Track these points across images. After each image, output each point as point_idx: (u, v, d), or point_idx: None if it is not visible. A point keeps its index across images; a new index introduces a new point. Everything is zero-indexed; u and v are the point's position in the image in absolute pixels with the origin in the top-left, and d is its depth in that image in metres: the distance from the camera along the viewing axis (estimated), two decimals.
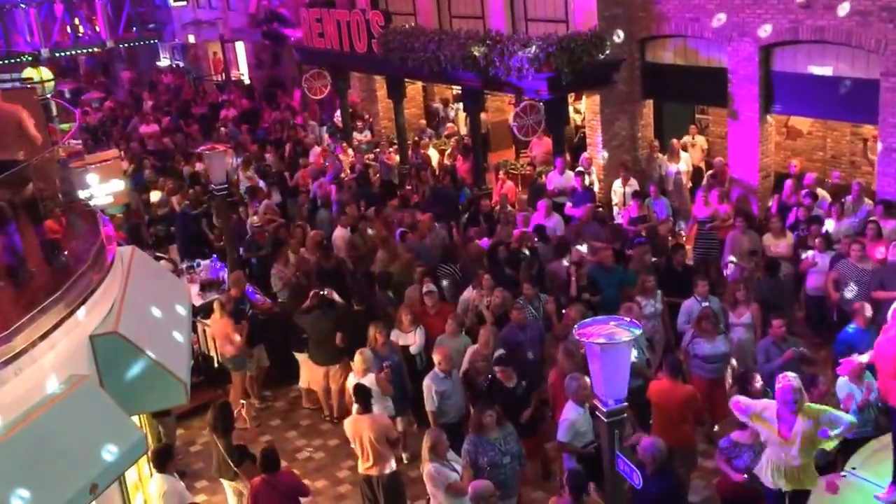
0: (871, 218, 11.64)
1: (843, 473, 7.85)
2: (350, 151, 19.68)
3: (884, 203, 12.11)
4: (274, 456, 8.09)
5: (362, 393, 8.73)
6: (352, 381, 9.39)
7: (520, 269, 11.53)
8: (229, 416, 8.80)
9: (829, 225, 12.11)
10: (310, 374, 11.32)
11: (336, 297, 11.23)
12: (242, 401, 11.45)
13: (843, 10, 12.09)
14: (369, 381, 9.23)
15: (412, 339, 10.36)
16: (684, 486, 8.41)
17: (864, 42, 12.53)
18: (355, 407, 8.68)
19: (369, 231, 13.75)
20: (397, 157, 19.65)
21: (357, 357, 9.47)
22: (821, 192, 13.36)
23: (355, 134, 21.48)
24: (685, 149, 16.20)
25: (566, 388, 8.19)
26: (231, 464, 8.68)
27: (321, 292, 10.98)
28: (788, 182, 13.59)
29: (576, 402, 8.04)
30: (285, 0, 27.42)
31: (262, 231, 14.27)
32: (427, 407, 9.09)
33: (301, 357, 11.42)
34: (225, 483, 9.07)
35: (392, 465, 8.63)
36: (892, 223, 11.71)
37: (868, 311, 8.97)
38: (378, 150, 20.38)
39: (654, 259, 12.08)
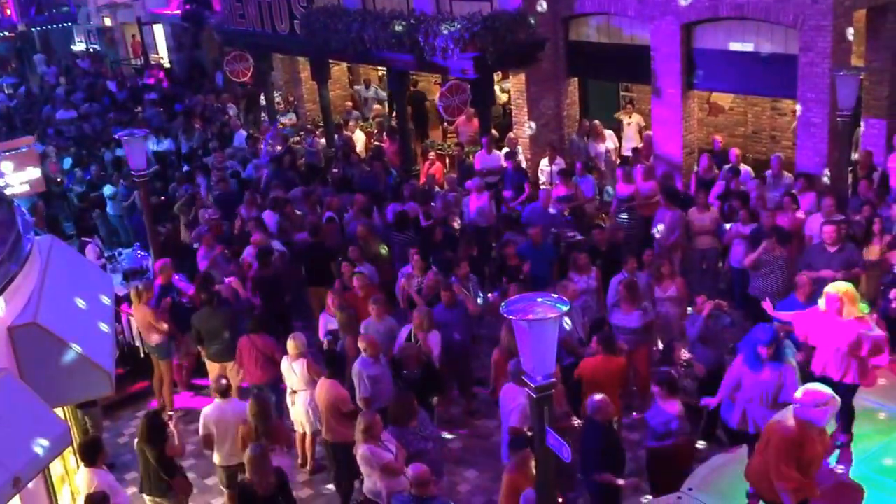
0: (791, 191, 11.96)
1: (678, 495, 7.63)
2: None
3: (804, 176, 12.41)
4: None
5: (331, 360, 8.99)
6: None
7: (457, 250, 11.55)
8: (161, 426, 8.43)
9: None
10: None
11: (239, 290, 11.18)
12: (170, 412, 10.85)
13: None
14: (300, 365, 9.13)
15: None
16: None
17: (783, 18, 12.79)
18: None
19: (297, 213, 13.57)
20: (323, 140, 19.42)
21: (290, 343, 9.33)
22: (744, 166, 13.63)
23: (279, 116, 21.15)
24: (621, 127, 16.37)
25: (509, 373, 8.23)
26: (163, 477, 8.33)
27: (211, 287, 10.80)
28: (704, 157, 13.81)
29: (517, 384, 8.05)
30: None
31: (218, 224, 13.66)
32: (359, 393, 8.98)
33: None
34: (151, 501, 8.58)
35: (346, 437, 8.46)
36: (810, 196, 12.03)
37: (809, 286, 9.06)
38: (303, 133, 20.11)
39: (581, 237, 12.28)
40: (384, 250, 12.20)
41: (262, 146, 17.80)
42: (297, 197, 14.42)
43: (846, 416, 8.02)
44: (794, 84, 12.99)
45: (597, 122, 16.17)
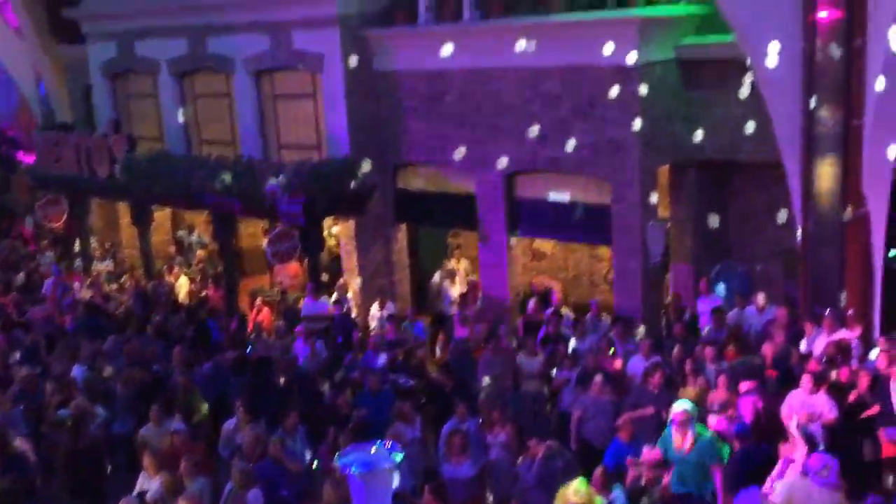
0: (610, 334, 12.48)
1: None
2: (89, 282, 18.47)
3: (620, 320, 12.99)
4: None
5: None
6: None
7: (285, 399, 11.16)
8: None
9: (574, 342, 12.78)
10: None
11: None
12: None
13: (571, 144, 13.07)
14: None
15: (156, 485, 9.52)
16: None
17: (595, 171, 13.64)
18: None
19: (107, 369, 12.75)
20: (141, 287, 18.66)
21: None
22: (564, 310, 14.14)
23: (96, 263, 20.27)
24: (453, 273, 16.71)
25: None
26: None
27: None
28: (532, 301, 14.30)
29: None
30: (15, 122, 25.89)
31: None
32: None
33: None
34: None
35: None
36: (629, 338, 12.54)
37: (631, 427, 9.38)
38: (122, 280, 19.28)
39: (412, 382, 12.20)
40: (204, 407, 11.59)
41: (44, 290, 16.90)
42: (111, 348, 13.62)
43: None
44: (608, 232, 13.75)
45: (452, 266, 16.45)
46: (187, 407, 11.26)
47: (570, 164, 13.79)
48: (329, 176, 15.20)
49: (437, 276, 16.57)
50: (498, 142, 14.43)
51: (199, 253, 20.50)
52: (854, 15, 11.15)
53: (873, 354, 10.55)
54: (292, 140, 17.01)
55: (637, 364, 11.46)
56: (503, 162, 13.16)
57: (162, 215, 20.68)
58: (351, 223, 16.34)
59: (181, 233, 21.56)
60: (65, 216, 20.25)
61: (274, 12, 16.19)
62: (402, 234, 16.92)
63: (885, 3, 10.86)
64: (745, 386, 10.01)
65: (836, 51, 11.21)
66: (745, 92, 11.92)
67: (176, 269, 19.05)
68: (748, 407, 9.59)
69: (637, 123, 12.66)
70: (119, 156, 18.00)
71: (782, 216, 11.77)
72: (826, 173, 11.72)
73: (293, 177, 14.97)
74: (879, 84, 11.02)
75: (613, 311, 13.93)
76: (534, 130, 13.23)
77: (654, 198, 13.21)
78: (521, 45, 12.64)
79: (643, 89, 12.74)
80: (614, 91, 12.64)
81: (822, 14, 11.25)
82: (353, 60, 13.99)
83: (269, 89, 17.20)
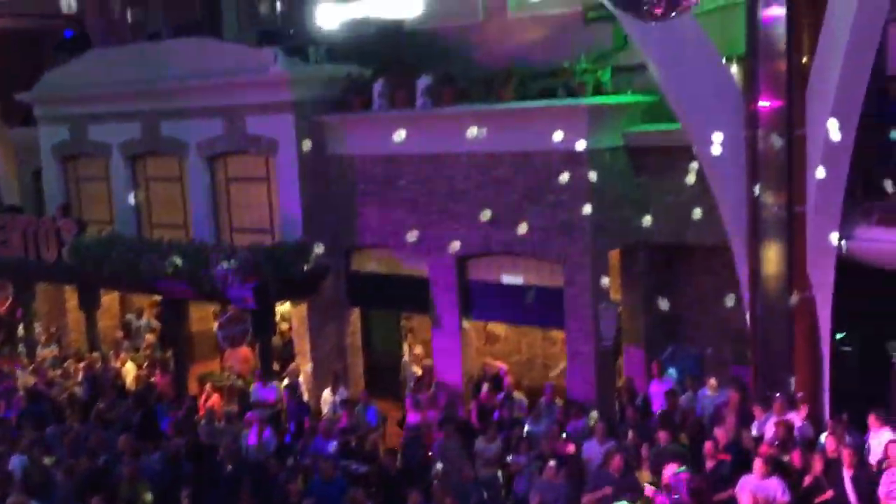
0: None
1: None
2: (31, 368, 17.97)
3: (573, 404, 12.96)
4: None
5: None
6: None
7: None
8: None
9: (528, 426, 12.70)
10: None
11: None
12: None
13: (522, 228, 13.20)
14: None
15: None
16: None
17: (547, 255, 13.78)
18: None
19: (45, 460, 12.32)
20: (90, 373, 18.19)
21: None
22: (517, 394, 14.07)
23: (40, 348, 19.77)
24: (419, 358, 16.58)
25: None
26: None
27: None
28: (485, 385, 14.22)
29: None
30: None
31: None
32: None
33: None
34: None
35: None
36: (581, 422, 12.50)
37: None
38: (66, 364, 18.79)
39: (365, 468, 12.00)
40: (149, 498, 11.21)
41: None
42: (52, 436, 13.19)
43: None
44: (561, 315, 13.81)
45: (419, 350, 16.37)
46: (132, 498, 10.89)
47: (523, 248, 13.92)
48: (282, 259, 15.14)
49: (405, 358, 16.48)
50: (451, 225, 14.54)
51: (148, 337, 20.08)
52: (793, 105, 11.56)
53: (823, 437, 10.64)
54: (245, 223, 16.94)
55: (592, 448, 11.40)
56: (456, 245, 13.24)
57: (110, 299, 20.33)
58: (303, 306, 16.21)
59: (129, 317, 21.17)
60: (8, 302, 19.81)
61: (228, 97, 16.33)
62: (355, 318, 16.80)
63: (822, 94, 11.30)
64: (669, 469, 10.13)
65: (777, 140, 11.56)
66: (691, 178, 12.21)
67: (123, 354, 18.65)
68: (682, 486, 9.77)
69: (587, 208, 12.86)
70: (68, 239, 17.77)
71: (731, 299, 11.94)
72: (772, 257, 11.95)
73: (245, 260, 14.87)
74: (820, 172, 11.38)
75: (566, 395, 13.90)
76: (486, 214, 13.40)
77: (605, 281, 13.35)
78: (474, 131, 12.85)
79: (593, 175, 12.98)
80: (565, 176, 12.86)
81: (764, 104, 11.64)
82: (307, 145, 14.08)
83: (223, 173, 17.21)
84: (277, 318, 17.59)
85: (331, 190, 16.02)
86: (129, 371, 17.79)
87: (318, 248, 14.59)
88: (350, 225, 15.95)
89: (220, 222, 17.20)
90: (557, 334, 15.48)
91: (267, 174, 16.45)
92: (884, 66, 12.48)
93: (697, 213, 12.33)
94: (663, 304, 12.25)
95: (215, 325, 16.83)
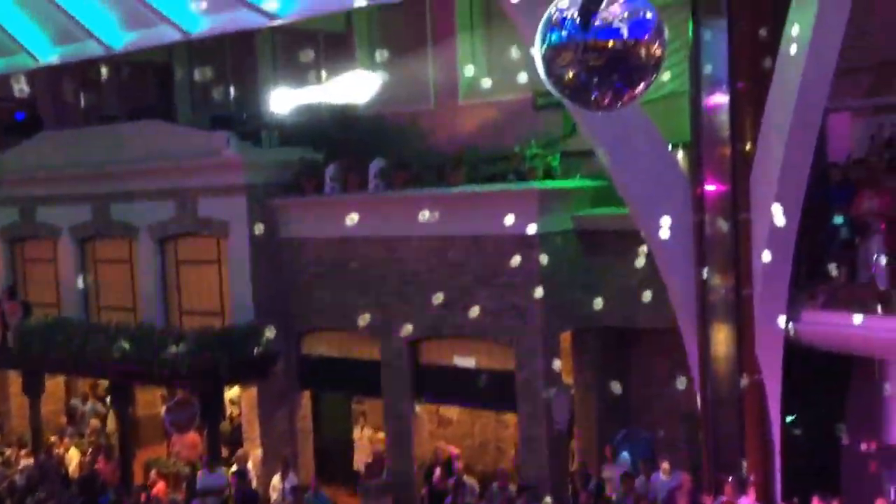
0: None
1: None
2: None
3: (524, 489, 12.79)
4: None
5: None
6: None
7: None
8: None
9: None
10: None
11: None
12: None
13: (474, 311, 13.18)
14: None
15: None
16: None
17: (499, 338, 13.75)
18: None
19: None
20: (31, 460, 17.61)
21: None
22: (468, 479, 13.87)
23: None
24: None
25: None
26: None
27: None
28: (437, 470, 14.01)
29: None
30: None
31: None
32: None
33: None
34: None
35: None
36: None
37: None
38: (7, 454, 18.19)
39: None
40: None
41: None
42: None
43: None
44: (513, 399, 13.73)
45: (370, 434, 16.13)
46: None
47: (475, 331, 13.89)
48: (232, 343, 14.94)
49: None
50: (403, 308, 14.49)
51: (93, 422, 19.55)
52: (738, 190, 11.80)
53: None
54: (195, 306, 16.75)
55: None
56: (408, 329, 13.17)
57: (54, 384, 19.83)
58: (253, 390, 15.95)
59: (74, 402, 20.62)
60: None
61: (181, 180, 16.31)
62: (306, 401, 16.56)
63: (766, 180, 11.55)
64: None
65: (723, 223, 11.76)
66: (641, 261, 12.32)
67: (66, 441, 18.12)
68: None
69: (538, 291, 12.88)
70: (13, 322, 17.41)
71: (682, 382, 11.96)
72: (721, 340, 12.04)
73: (195, 343, 14.65)
74: (766, 256, 11.56)
75: (519, 479, 13.72)
76: (438, 297, 13.35)
77: (557, 364, 13.31)
78: (425, 215, 12.91)
79: (544, 258, 13.06)
80: (516, 259, 12.91)
81: (710, 188, 11.88)
82: (260, 228, 14.06)
83: (173, 255, 17.08)
84: (226, 402, 17.27)
85: (282, 273, 15.95)
86: (73, 458, 17.27)
87: (270, 332, 14.45)
88: (302, 308, 15.83)
89: (169, 305, 16.99)
90: (510, 418, 15.36)
91: (218, 257, 16.36)
92: (825, 153, 12.84)
93: (647, 295, 12.39)
94: (615, 387, 12.24)
95: (163, 410, 16.44)
